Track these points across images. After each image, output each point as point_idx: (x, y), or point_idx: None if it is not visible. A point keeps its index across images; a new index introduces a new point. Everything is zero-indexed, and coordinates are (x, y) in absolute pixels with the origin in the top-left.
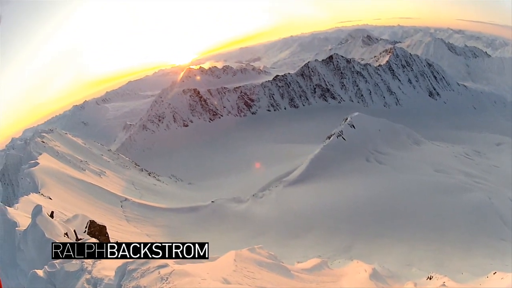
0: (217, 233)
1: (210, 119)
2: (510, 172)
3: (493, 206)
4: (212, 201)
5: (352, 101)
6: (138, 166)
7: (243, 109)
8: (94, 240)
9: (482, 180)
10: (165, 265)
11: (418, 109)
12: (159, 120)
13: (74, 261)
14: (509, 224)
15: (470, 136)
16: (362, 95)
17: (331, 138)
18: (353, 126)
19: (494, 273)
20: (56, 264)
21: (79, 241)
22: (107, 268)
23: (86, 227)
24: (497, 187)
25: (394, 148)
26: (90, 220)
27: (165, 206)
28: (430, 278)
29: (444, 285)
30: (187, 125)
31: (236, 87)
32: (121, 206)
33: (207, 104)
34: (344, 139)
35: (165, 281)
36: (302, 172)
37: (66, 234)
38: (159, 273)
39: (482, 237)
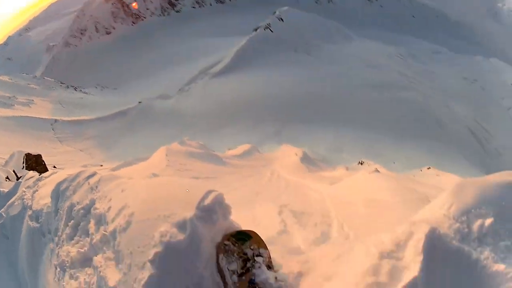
0: (148, 133)
1: (133, 22)
2: (447, 81)
3: (429, 108)
4: (139, 102)
5: None
6: (63, 84)
7: (167, 8)
8: (32, 173)
9: (417, 82)
10: (93, 174)
11: (351, 9)
12: (81, 33)
13: (15, 202)
14: (445, 129)
15: (406, 40)
16: None
17: (257, 30)
18: (282, 19)
19: (428, 168)
20: (3, 213)
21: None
22: (44, 196)
23: (23, 163)
24: (434, 92)
25: (324, 42)
26: (25, 154)
27: (93, 117)
28: (361, 163)
29: (377, 170)
30: (109, 33)
31: None
32: (52, 129)
33: (129, 9)
34: (271, 31)
35: (95, 190)
36: (228, 63)
37: (7, 177)
38: (88, 184)
39: (416, 134)
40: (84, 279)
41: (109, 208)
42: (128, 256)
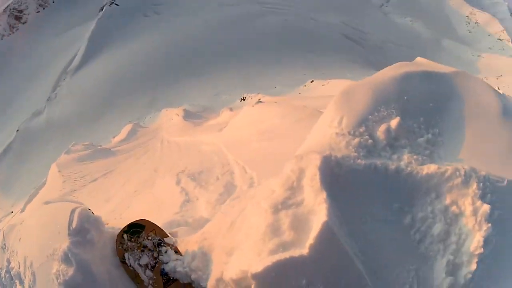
0: (40, 156)
1: None
2: None
3: (297, 26)
4: (17, 130)
5: None
6: None
7: (14, 24)
8: None
9: (277, 6)
10: None
11: None
12: None
13: None
14: (320, 41)
15: None
16: None
17: (103, 9)
18: None
19: (311, 82)
20: None
21: None
22: None
23: None
24: (297, 10)
25: None
26: None
27: None
28: (244, 99)
29: (260, 100)
30: None
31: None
32: None
33: None
34: (117, 5)
35: (5, 248)
36: (84, 53)
37: None
38: None
39: (287, 53)
40: None
41: (19, 263)
42: None
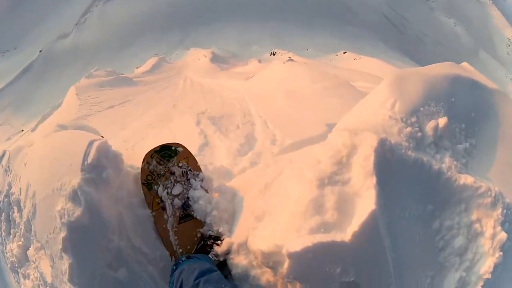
0: (58, 79)
1: None
2: None
3: None
4: (40, 51)
5: None
6: None
7: None
8: None
9: None
10: (3, 154)
11: None
12: None
13: None
14: (358, 15)
15: None
16: None
17: None
18: None
19: (344, 53)
20: None
21: None
22: None
23: None
24: None
25: None
26: None
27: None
28: (274, 54)
29: (291, 59)
30: None
31: None
32: None
33: None
34: None
35: (8, 171)
36: None
37: None
38: (2, 167)
39: (327, 22)
40: (34, 274)
41: (20, 190)
42: (46, 246)
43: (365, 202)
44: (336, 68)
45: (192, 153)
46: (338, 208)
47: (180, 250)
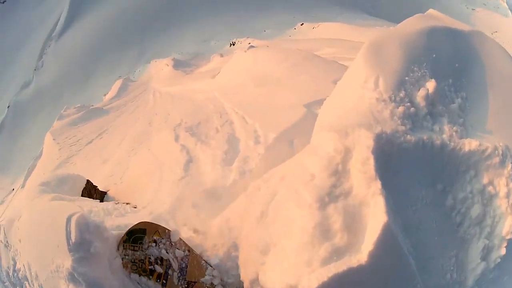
0: (34, 129)
1: None
2: None
3: None
4: (8, 106)
5: None
6: None
7: None
8: None
9: None
10: None
11: None
12: None
13: None
14: None
15: None
16: None
17: None
18: None
19: (301, 24)
20: None
21: None
22: None
23: None
24: None
25: None
26: None
27: None
28: (234, 44)
29: (251, 45)
30: None
31: None
32: None
33: None
34: None
35: (8, 246)
36: (67, 16)
37: None
38: (1, 242)
39: None
40: None
41: (24, 266)
42: None
43: (375, 213)
44: (298, 41)
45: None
46: (346, 227)
47: None
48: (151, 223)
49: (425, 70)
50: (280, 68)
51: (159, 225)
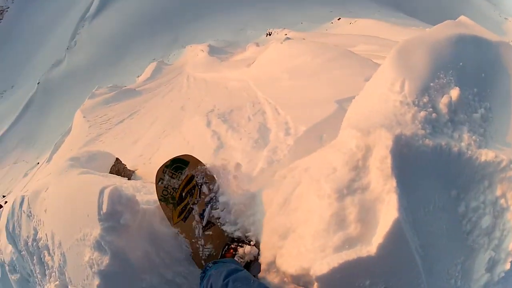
0: (62, 106)
1: None
2: None
3: None
4: (38, 83)
5: None
6: None
7: None
8: None
9: None
10: (22, 200)
11: None
12: None
13: None
14: None
15: None
16: None
17: None
18: None
19: (338, 19)
20: None
21: None
22: (5, 245)
23: None
24: None
25: None
26: None
27: (6, 127)
28: (270, 34)
29: (287, 37)
30: None
31: None
32: None
33: None
34: None
35: (31, 216)
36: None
37: None
38: (24, 213)
39: None
40: None
41: (46, 236)
42: None
43: (388, 209)
44: (334, 36)
45: (207, 160)
46: (360, 219)
47: (207, 256)
48: (196, 158)
49: (451, 78)
50: (315, 62)
51: (202, 162)
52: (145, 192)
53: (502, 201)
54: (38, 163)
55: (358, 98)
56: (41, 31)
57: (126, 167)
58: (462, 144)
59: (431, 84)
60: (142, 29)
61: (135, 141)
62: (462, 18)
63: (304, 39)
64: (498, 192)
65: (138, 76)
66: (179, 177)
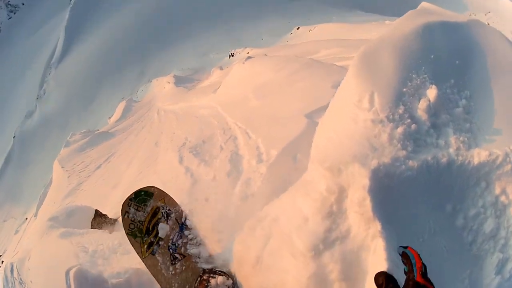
0: (41, 155)
1: None
2: None
3: None
4: (14, 136)
5: None
6: None
7: None
8: None
9: None
10: (11, 267)
11: None
12: None
13: None
14: None
15: None
16: None
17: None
18: None
19: (298, 28)
20: None
21: None
22: None
23: None
24: None
25: None
26: None
27: None
28: (232, 55)
29: (249, 56)
30: None
31: None
32: None
33: None
34: None
35: (23, 283)
36: (64, 43)
37: None
38: (16, 279)
39: (269, 4)
40: None
41: None
42: None
43: (375, 259)
44: (295, 46)
45: (181, 199)
46: (345, 276)
47: None
48: (160, 190)
49: (425, 76)
50: (279, 77)
51: (167, 194)
52: (121, 252)
53: (502, 198)
54: (26, 218)
55: (325, 120)
56: (9, 83)
57: (107, 217)
58: (451, 150)
59: (404, 89)
60: (108, 68)
61: (115, 185)
62: (424, 4)
63: (266, 54)
64: (497, 190)
65: (110, 117)
66: (145, 209)
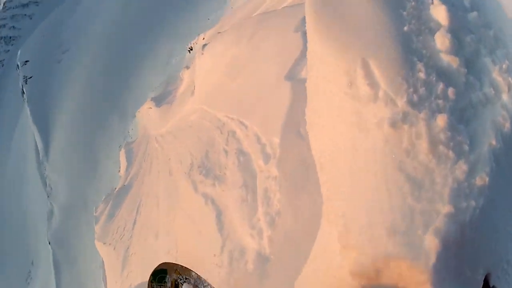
0: (84, 248)
1: None
2: None
3: None
4: (49, 243)
5: None
6: None
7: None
8: None
9: None
10: None
11: None
12: None
13: None
14: None
15: None
16: None
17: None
18: None
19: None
20: None
21: None
22: None
23: None
24: None
25: None
26: None
27: None
28: (191, 49)
29: (204, 43)
30: None
31: None
32: None
33: None
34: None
35: None
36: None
37: None
38: None
39: None
40: None
41: None
42: None
43: None
44: (240, 9)
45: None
46: None
47: None
48: (169, 262)
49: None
50: (241, 49)
51: (177, 264)
52: None
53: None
54: None
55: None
56: (15, 198)
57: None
58: (504, 97)
59: (405, 28)
60: (92, 131)
61: (156, 235)
62: None
63: (219, 32)
64: None
65: (119, 170)
66: (166, 285)
